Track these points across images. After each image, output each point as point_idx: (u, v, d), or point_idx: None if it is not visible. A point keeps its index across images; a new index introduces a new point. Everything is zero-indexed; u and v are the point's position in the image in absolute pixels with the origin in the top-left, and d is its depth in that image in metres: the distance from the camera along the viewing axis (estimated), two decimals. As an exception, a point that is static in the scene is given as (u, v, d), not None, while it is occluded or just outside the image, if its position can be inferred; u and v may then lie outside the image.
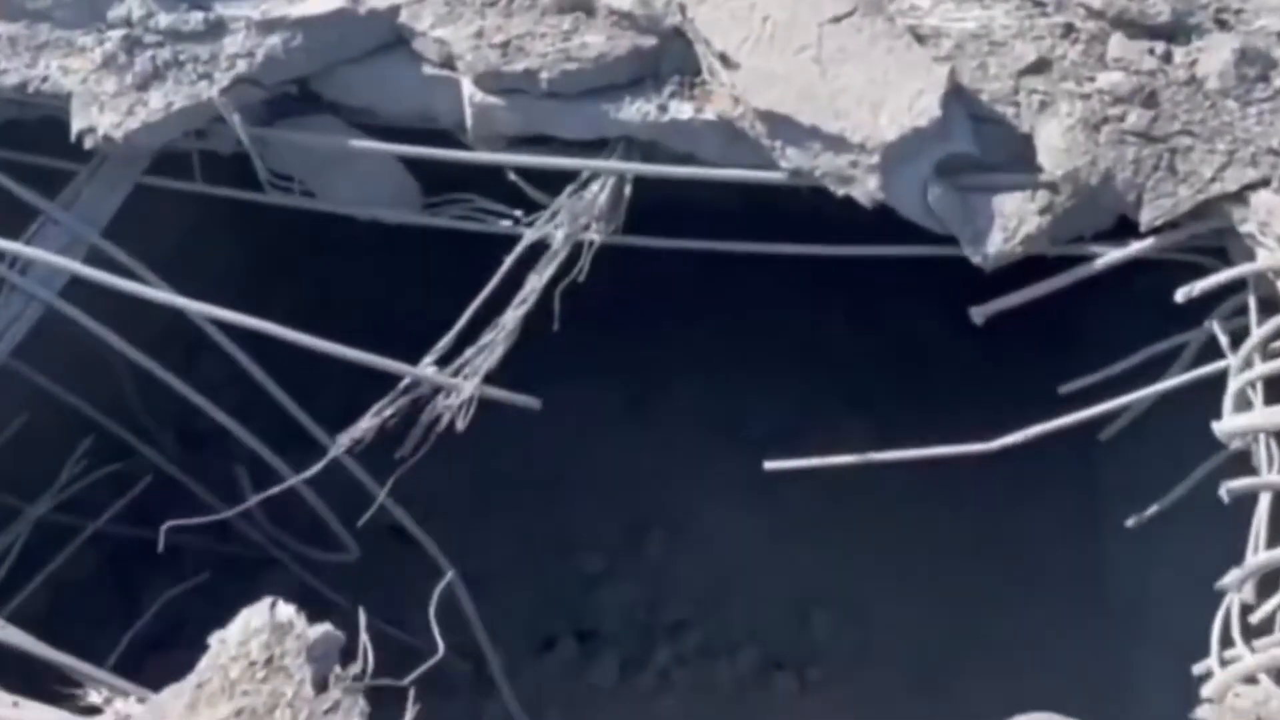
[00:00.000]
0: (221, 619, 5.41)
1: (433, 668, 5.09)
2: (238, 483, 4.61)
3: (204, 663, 2.84)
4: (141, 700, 2.90)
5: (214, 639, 2.87)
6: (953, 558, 5.22)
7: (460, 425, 3.07)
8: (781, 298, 5.89)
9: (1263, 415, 3.03)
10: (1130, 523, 3.53)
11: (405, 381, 3.21)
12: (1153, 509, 3.52)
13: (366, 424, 3.18)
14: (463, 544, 5.71)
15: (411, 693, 2.82)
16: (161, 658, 5.23)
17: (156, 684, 5.23)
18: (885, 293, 5.93)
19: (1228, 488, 2.92)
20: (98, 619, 5.23)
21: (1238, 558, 2.98)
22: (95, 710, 3.04)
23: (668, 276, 5.48)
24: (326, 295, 6.44)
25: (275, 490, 3.51)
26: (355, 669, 2.75)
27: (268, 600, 2.84)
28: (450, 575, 3.65)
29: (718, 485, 5.73)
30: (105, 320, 3.97)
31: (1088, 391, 3.52)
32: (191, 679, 2.81)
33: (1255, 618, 2.92)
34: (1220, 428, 3.08)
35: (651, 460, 5.87)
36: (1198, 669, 2.96)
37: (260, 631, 2.73)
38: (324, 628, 2.74)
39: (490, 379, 6.39)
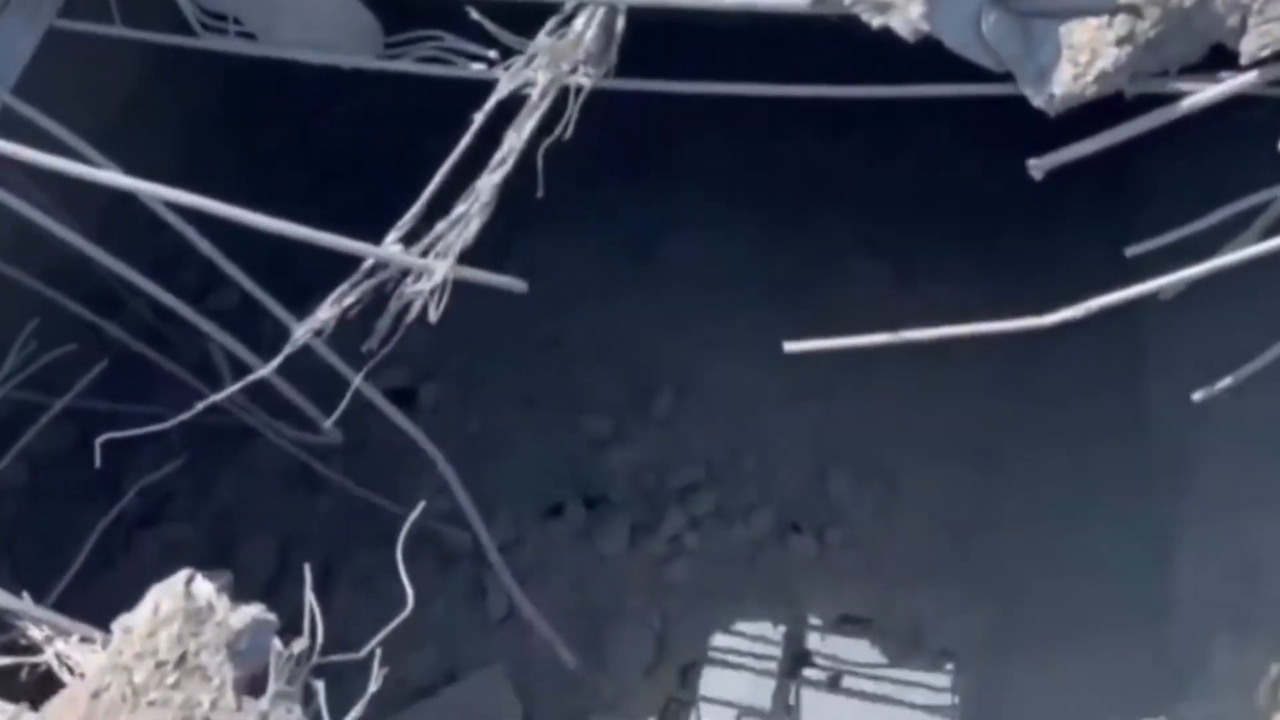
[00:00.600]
0: (207, 492, 5.23)
1: (434, 538, 4.93)
2: (213, 356, 4.28)
3: (104, 657, 2.16)
4: (86, 640, 2.34)
5: (117, 626, 2.20)
6: (982, 412, 4.92)
7: (434, 315, 2.62)
8: (794, 128, 5.45)
9: None
10: (1196, 396, 3.09)
11: (368, 264, 2.71)
12: (1224, 381, 3.12)
13: (326, 313, 2.74)
14: (462, 407, 5.44)
15: (378, 653, 2.37)
16: (147, 535, 5.05)
17: (141, 563, 5.07)
18: (911, 122, 5.47)
19: None
20: (79, 494, 5.00)
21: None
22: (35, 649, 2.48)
23: (666, 113, 5.03)
24: (307, 132, 6.00)
25: (245, 383, 3.14)
26: (299, 647, 2.22)
27: (182, 574, 2.24)
28: (437, 458, 3.29)
29: (727, 340, 5.39)
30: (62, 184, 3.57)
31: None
32: (87, 683, 2.12)
33: None
34: None
35: (656, 316, 5.53)
36: None
37: (170, 620, 2.09)
38: (251, 613, 2.16)
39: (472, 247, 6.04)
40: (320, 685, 2.17)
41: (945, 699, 4.57)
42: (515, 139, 2.81)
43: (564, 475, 4.99)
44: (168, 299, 3.31)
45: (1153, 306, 4.45)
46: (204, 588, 2.19)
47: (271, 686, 1.99)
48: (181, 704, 1.97)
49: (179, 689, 1.98)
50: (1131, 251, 2.95)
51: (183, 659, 2.02)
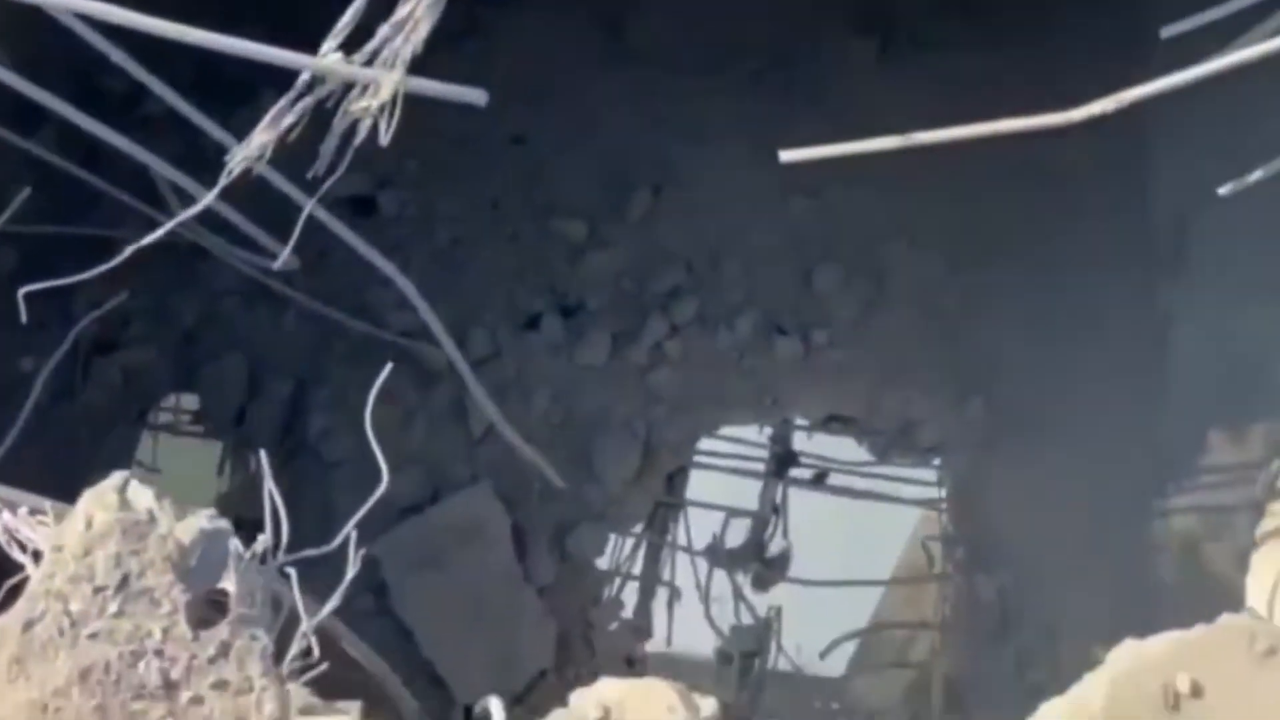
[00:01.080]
0: (166, 315, 5.00)
1: (410, 355, 4.76)
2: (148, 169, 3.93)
3: (34, 582, 1.76)
4: (37, 512, 1.96)
5: (48, 546, 1.79)
6: (976, 201, 4.70)
7: (385, 136, 2.29)
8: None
9: None
10: (1223, 190, 2.89)
11: (304, 77, 2.35)
12: (1254, 175, 2.90)
13: (261, 137, 2.40)
14: (429, 213, 5.14)
15: (354, 536, 2.12)
16: (107, 361, 4.83)
17: (104, 390, 4.87)
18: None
19: None
20: (31, 320, 4.75)
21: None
22: None
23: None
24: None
25: (187, 215, 2.83)
26: (263, 543, 1.90)
27: (114, 479, 1.82)
28: (396, 276, 3.05)
29: (705, 130, 5.08)
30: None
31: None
32: (16, 613, 1.73)
33: None
34: None
35: (628, 106, 5.18)
36: None
37: (106, 537, 1.68)
38: (199, 523, 1.79)
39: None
40: (293, 575, 1.98)
41: (933, 493, 4.60)
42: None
43: (539, 284, 4.78)
44: (87, 122, 2.96)
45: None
46: (142, 495, 1.80)
47: (234, 608, 1.76)
48: (127, 636, 1.65)
49: (123, 618, 1.66)
50: (1168, 32, 2.66)
51: (124, 582, 1.68)
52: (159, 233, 2.68)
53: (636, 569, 4.48)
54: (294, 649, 1.84)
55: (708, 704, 1.64)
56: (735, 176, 4.96)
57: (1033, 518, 4.24)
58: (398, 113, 2.26)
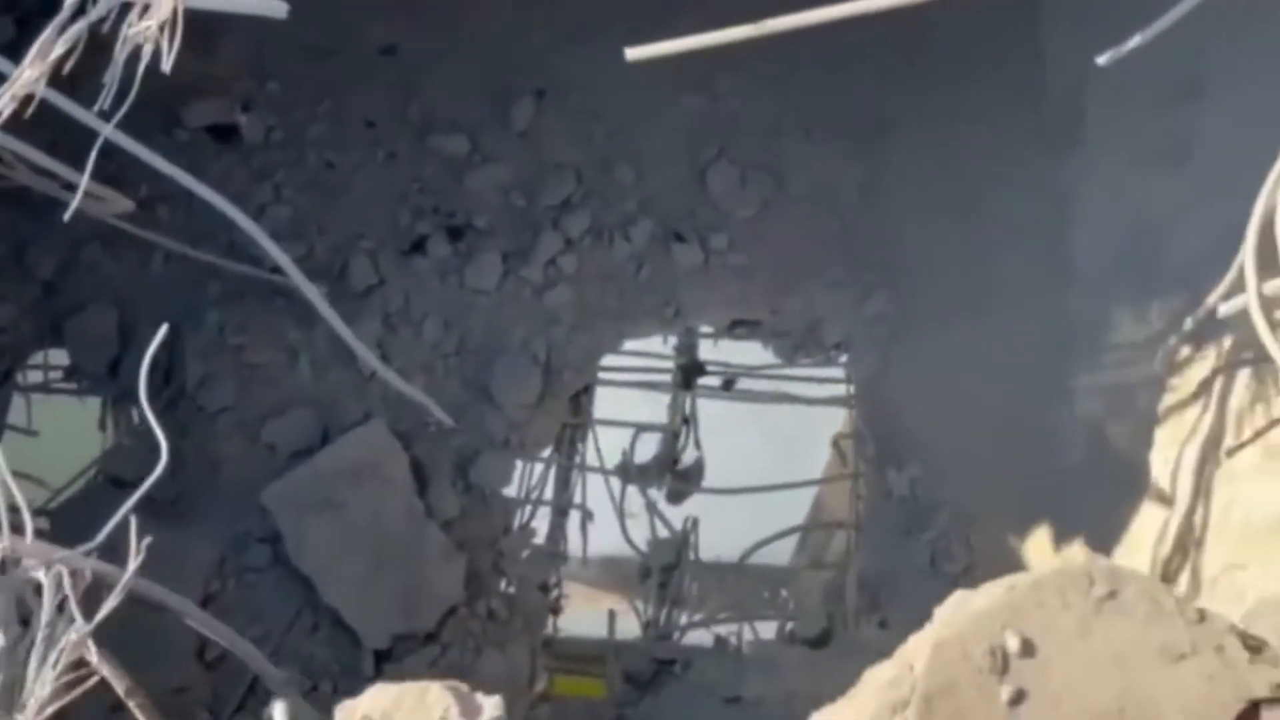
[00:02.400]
0: (22, 267, 4.64)
1: (289, 294, 4.50)
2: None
3: None
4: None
5: None
6: (872, 91, 4.53)
7: (167, 62, 2.03)
8: None
9: None
10: (1102, 60, 2.76)
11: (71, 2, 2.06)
12: (1132, 41, 2.76)
13: (32, 70, 2.12)
14: (297, 137, 4.80)
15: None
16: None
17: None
18: None
19: None
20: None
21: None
22: None
23: None
24: None
25: None
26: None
27: None
28: (234, 212, 2.82)
29: (588, 29, 4.80)
30: None
31: None
32: None
33: None
34: None
35: (508, 7, 4.87)
36: None
37: None
38: None
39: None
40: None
41: (841, 389, 4.51)
42: None
43: (422, 204, 4.53)
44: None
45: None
46: None
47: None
48: None
49: None
50: None
51: None
52: None
53: (547, 494, 4.35)
54: (67, 655, 1.67)
55: (491, 703, 1.49)
56: (621, 77, 4.68)
57: (941, 409, 4.18)
58: (179, 33, 2.00)
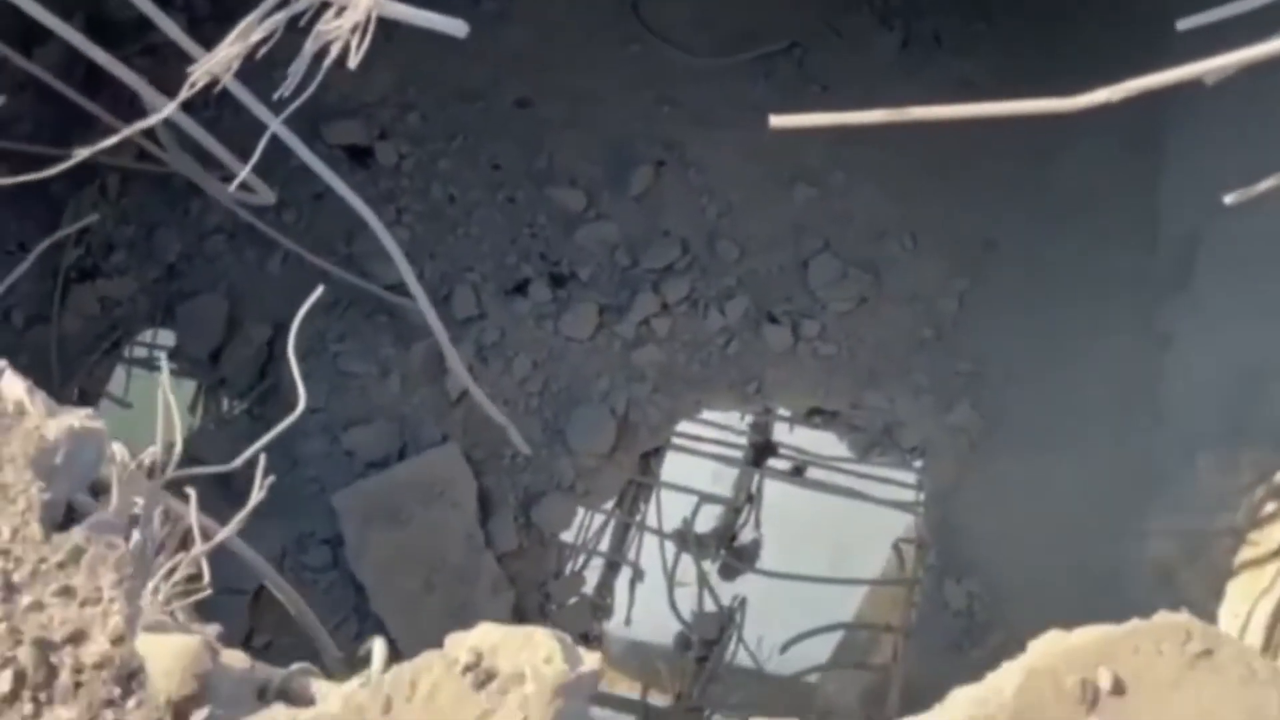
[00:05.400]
0: (150, 248, 4.92)
1: (395, 314, 4.68)
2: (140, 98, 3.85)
3: None
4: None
5: None
6: (982, 206, 4.61)
7: (354, 60, 2.20)
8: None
9: None
10: (1229, 199, 2.80)
11: None
12: (1266, 183, 2.80)
13: (227, 50, 2.31)
14: (428, 169, 5.05)
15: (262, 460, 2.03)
16: (85, 288, 4.76)
17: (79, 317, 4.79)
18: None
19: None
20: (16, 239, 4.69)
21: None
22: None
23: None
24: None
25: (148, 123, 2.73)
26: (149, 458, 1.78)
27: None
28: (380, 228, 2.97)
29: (715, 113, 5.00)
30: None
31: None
32: None
33: None
34: None
35: (638, 82, 5.10)
36: None
37: None
38: (71, 420, 1.64)
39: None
40: (193, 496, 1.88)
41: (910, 495, 4.50)
42: None
43: (532, 249, 4.69)
44: (80, 41, 2.88)
45: (1179, 106, 4.09)
46: (13, 385, 1.66)
47: (94, 514, 1.64)
48: None
49: None
50: (1184, 25, 2.56)
51: None
52: (118, 137, 2.57)
53: (603, 546, 4.39)
54: (180, 571, 1.75)
55: (591, 658, 1.54)
56: (740, 160, 4.87)
57: (1010, 530, 4.14)
58: (369, 36, 2.17)
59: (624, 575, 4.39)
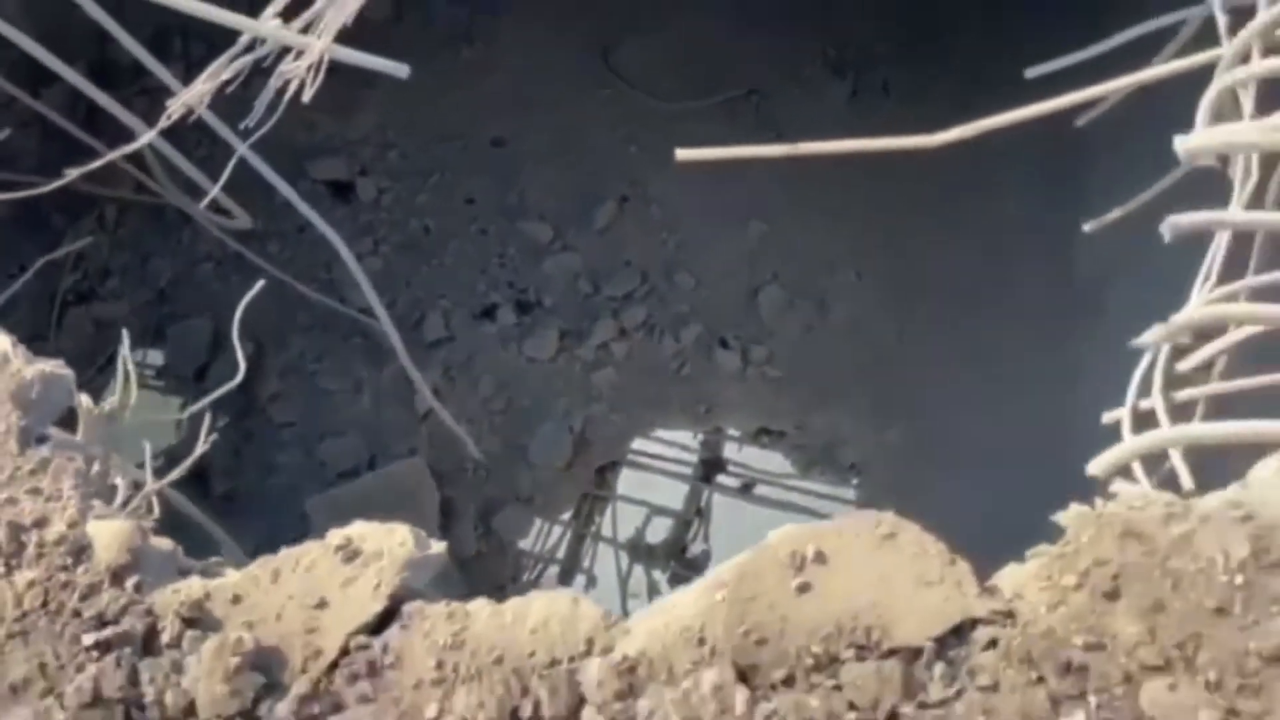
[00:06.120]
0: (143, 273, 5.26)
1: (369, 329, 5.00)
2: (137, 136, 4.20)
3: None
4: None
5: None
6: (919, 239, 4.93)
7: (307, 95, 2.56)
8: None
9: (1234, 131, 2.20)
10: (1088, 227, 3.17)
11: (244, 39, 2.64)
12: (1113, 214, 3.15)
13: (202, 87, 2.67)
14: (406, 203, 5.41)
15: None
16: (80, 310, 5.09)
17: (74, 338, 5.13)
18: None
19: (1171, 224, 2.18)
20: (17, 263, 5.02)
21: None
22: None
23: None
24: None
25: (129, 149, 3.08)
26: (109, 404, 2.26)
27: None
28: (346, 254, 3.29)
29: (674, 152, 5.34)
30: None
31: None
32: None
33: (1186, 364, 2.51)
34: (1182, 143, 2.29)
35: (609, 123, 5.45)
36: (1107, 418, 2.56)
37: None
38: (45, 367, 2.13)
39: (427, 22, 5.82)
40: (146, 445, 2.26)
41: (850, 509, 4.77)
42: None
43: (500, 277, 5.02)
44: (87, 87, 3.24)
45: (1099, 144, 4.43)
46: (1, 340, 2.17)
47: (56, 434, 2.06)
48: None
49: None
50: (1031, 73, 2.91)
51: None
52: (104, 160, 2.90)
53: (559, 556, 4.67)
54: (134, 502, 2.08)
55: (439, 546, 1.93)
56: (699, 198, 5.21)
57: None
58: (321, 75, 2.50)
59: (578, 583, 4.66)
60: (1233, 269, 2.36)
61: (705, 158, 2.87)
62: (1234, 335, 2.27)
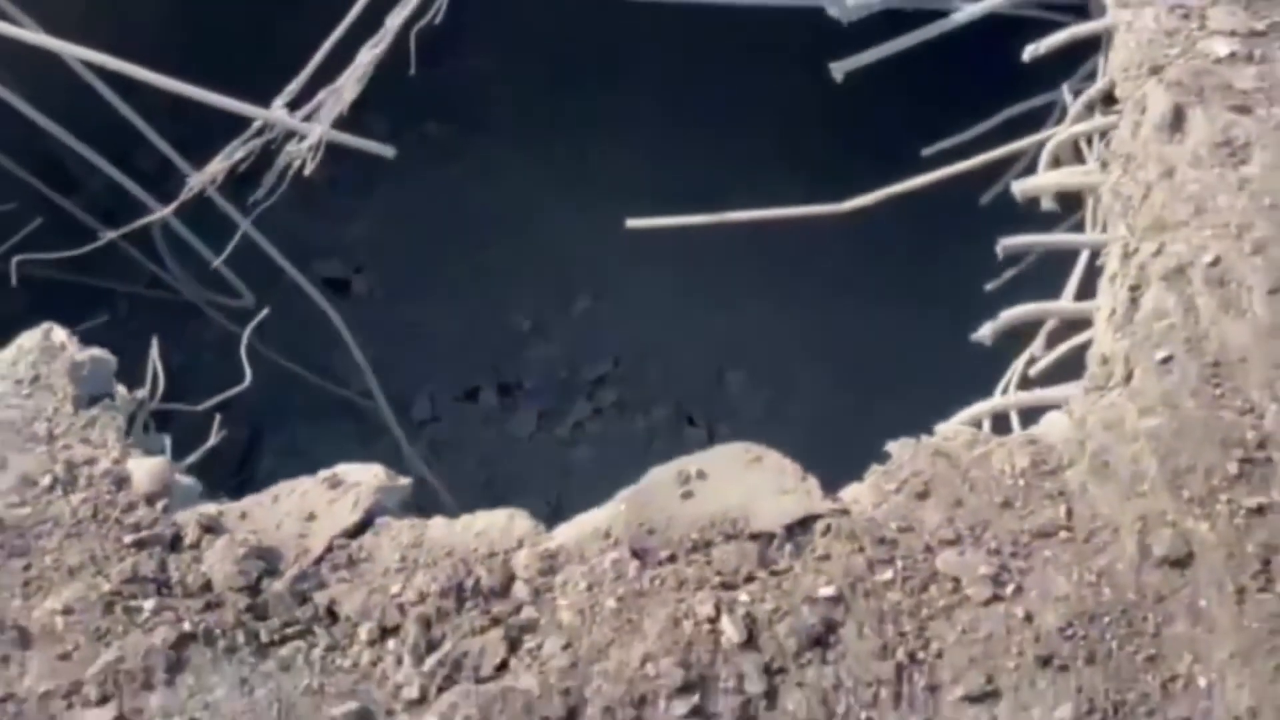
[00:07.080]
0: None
1: (362, 412, 5.36)
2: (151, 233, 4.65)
3: None
4: None
5: None
6: (875, 322, 5.33)
7: (308, 170, 3.03)
8: (717, 51, 5.82)
9: (1052, 177, 3.07)
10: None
11: (256, 124, 3.13)
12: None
13: (216, 166, 3.14)
14: (399, 295, 5.84)
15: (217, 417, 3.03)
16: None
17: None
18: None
19: (1003, 244, 3.10)
20: (34, 357, 5.40)
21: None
22: None
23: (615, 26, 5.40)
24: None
25: (137, 225, 3.52)
26: (142, 392, 2.87)
27: (44, 325, 2.86)
28: (345, 334, 3.71)
29: (646, 250, 5.77)
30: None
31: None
32: None
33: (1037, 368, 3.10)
34: (1017, 186, 3.15)
35: (582, 225, 5.91)
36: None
37: (30, 352, 2.74)
38: (94, 351, 2.79)
39: (435, 127, 6.32)
40: (166, 440, 2.82)
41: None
42: (393, 19, 3.21)
43: (483, 363, 5.41)
44: (124, 180, 3.69)
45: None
46: (59, 333, 2.80)
47: (103, 404, 2.69)
48: (30, 409, 2.61)
49: (31, 399, 2.63)
50: (927, 152, 3.39)
51: (36, 379, 2.67)
52: (110, 236, 3.31)
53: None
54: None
55: (405, 480, 2.37)
56: (666, 289, 5.64)
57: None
58: (320, 154, 2.95)
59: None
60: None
61: (651, 225, 3.30)
62: (1047, 325, 2.85)
